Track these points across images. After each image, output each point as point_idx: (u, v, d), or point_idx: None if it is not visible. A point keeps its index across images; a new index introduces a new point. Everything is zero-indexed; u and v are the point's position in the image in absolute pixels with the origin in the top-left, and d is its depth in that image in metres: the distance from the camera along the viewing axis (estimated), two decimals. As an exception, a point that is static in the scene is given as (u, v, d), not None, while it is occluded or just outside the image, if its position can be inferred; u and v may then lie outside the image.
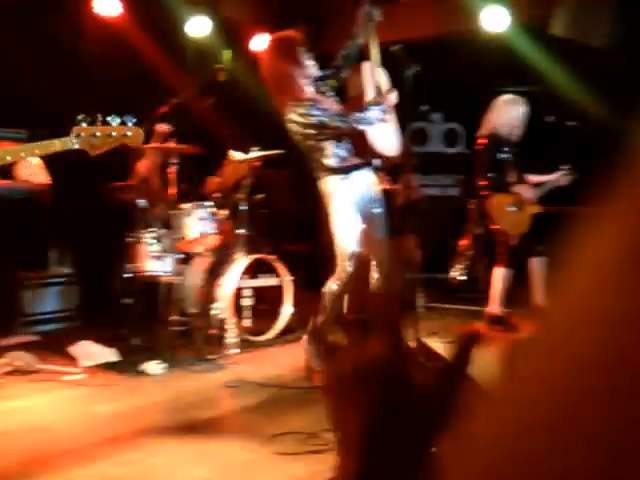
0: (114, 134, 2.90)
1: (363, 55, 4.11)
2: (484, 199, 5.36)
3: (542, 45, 5.41)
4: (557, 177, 5.35)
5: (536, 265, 5.44)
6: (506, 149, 5.33)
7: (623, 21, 4.52)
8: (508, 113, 5.27)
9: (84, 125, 2.85)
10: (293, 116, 4.09)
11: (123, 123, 2.91)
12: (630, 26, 4.59)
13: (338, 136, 4.13)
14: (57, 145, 2.83)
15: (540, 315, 0.37)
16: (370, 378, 0.64)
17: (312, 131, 4.07)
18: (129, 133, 2.93)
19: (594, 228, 0.34)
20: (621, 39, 4.60)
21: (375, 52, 4.06)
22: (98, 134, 2.87)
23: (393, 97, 4.16)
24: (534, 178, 5.48)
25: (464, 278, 6.08)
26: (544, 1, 4.93)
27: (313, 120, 4.06)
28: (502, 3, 5.16)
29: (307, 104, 4.07)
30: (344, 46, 4.15)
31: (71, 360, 4.41)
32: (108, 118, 2.88)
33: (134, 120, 2.93)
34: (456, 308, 5.72)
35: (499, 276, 5.41)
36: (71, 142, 2.83)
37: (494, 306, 5.50)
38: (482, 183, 5.36)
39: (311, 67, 4.25)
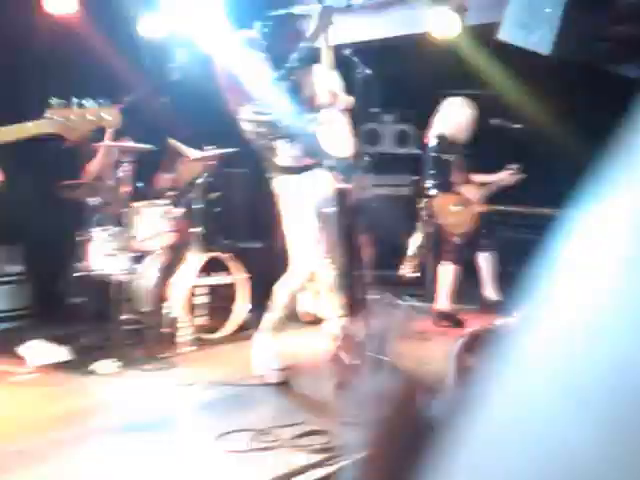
0: (90, 117, 2.76)
1: (317, 58, 4.17)
2: (431, 198, 5.49)
3: (490, 50, 5.55)
4: (502, 177, 5.50)
5: (483, 260, 5.61)
6: (452, 150, 5.46)
7: (568, 29, 4.66)
8: (454, 115, 5.41)
9: (58, 108, 2.70)
10: (245, 115, 4.14)
11: (99, 105, 2.78)
12: (575, 34, 4.75)
13: (290, 136, 4.19)
14: (32, 128, 2.69)
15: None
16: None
17: (264, 130, 4.13)
18: (106, 115, 2.80)
19: None
20: (566, 46, 4.75)
21: (328, 56, 4.13)
22: (73, 117, 2.74)
23: (346, 100, 4.24)
24: (480, 178, 5.63)
25: (414, 275, 6.21)
26: (492, 8, 5.05)
27: (264, 119, 4.11)
28: (452, 8, 5.27)
29: (259, 103, 4.13)
30: (297, 49, 4.21)
31: (21, 359, 4.37)
32: (83, 101, 2.75)
33: (109, 102, 2.80)
34: (407, 305, 5.83)
35: (446, 273, 5.55)
36: (47, 125, 2.66)
37: (442, 303, 5.64)
38: (427, 183, 5.49)
39: (265, 66, 4.30)
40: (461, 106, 5.43)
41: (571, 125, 5.74)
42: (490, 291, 5.64)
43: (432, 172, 5.45)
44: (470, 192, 5.48)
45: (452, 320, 5.55)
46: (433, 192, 5.47)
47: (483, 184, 5.57)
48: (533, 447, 0.35)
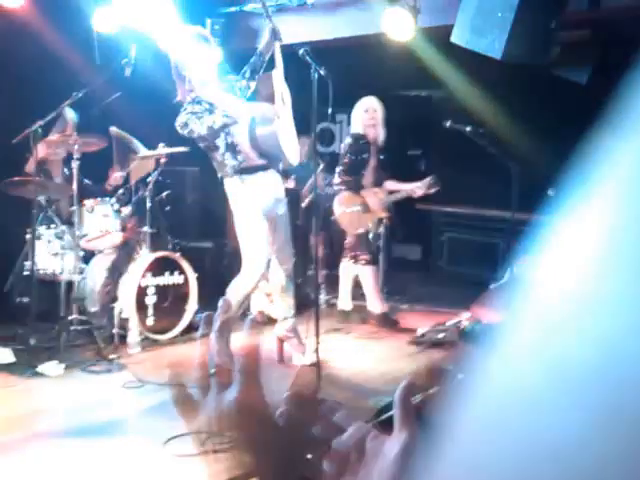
0: None
1: (271, 65, 4.20)
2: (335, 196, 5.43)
3: (444, 52, 5.61)
4: (413, 188, 5.47)
5: (363, 274, 5.56)
6: (366, 150, 5.42)
7: (520, 34, 4.74)
8: (365, 114, 5.38)
9: None
10: (187, 114, 4.09)
11: None
12: (526, 39, 4.84)
13: (245, 136, 4.17)
14: None
15: None
16: None
17: (205, 130, 4.09)
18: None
19: None
20: (517, 51, 4.84)
21: (280, 65, 4.14)
22: None
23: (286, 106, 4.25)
24: (392, 185, 5.60)
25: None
26: (446, 11, 5.11)
27: (207, 120, 4.07)
28: (405, 10, 5.30)
29: (202, 102, 4.10)
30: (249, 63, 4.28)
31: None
32: None
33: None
34: (359, 304, 5.86)
35: (344, 270, 5.52)
36: None
37: (342, 301, 5.68)
38: (337, 180, 5.43)
39: (215, 66, 4.27)
40: (372, 106, 5.40)
41: (522, 127, 5.84)
42: (373, 305, 5.60)
43: (344, 170, 5.40)
44: (374, 196, 5.43)
45: (388, 320, 5.53)
46: (337, 189, 5.41)
47: (392, 192, 5.53)
48: (520, 440, 0.34)
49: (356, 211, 5.37)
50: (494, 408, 0.37)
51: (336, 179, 5.45)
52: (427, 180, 5.39)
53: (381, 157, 5.52)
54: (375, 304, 5.53)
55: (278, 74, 4.16)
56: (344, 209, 5.38)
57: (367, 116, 5.37)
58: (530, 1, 4.71)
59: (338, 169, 5.46)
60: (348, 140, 5.47)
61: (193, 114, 4.11)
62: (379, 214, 5.49)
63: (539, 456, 0.33)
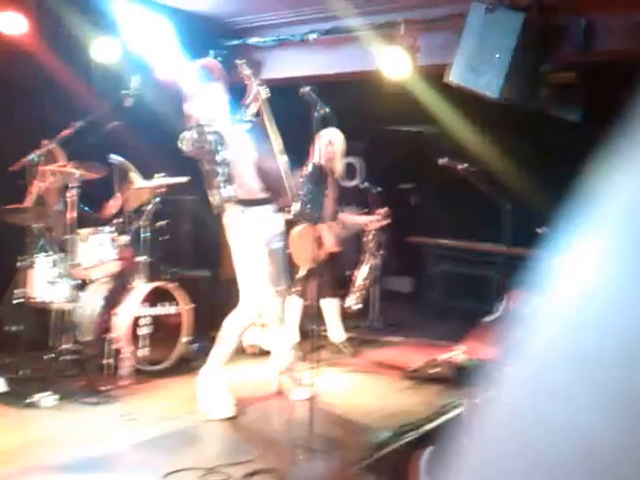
0: None
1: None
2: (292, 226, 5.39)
3: (440, 90, 5.70)
4: (365, 221, 5.48)
5: (324, 305, 5.59)
6: (325, 181, 5.41)
7: (516, 75, 4.85)
8: (327, 147, 5.39)
9: None
10: (190, 134, 4.10)
11: None
12: (521, 80, 4.94)
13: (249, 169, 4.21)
14: None
15: None
16: None
17: (204, 153, 4.12)
18: None
19: None
20: (512, 91, 4.93)
21: (268, 119, 4.20)
22: None
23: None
24: (347, 218, 5.60)
25: (360, 307, 6.24)
26: (444, 50, 5.21)
27: (206, 143, 4.09)
28: (404, 49, 5.39)
29: (204, 125, 4.12)
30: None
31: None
32: None
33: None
34: (351, 336, 5.87)
35: (292, 305, 5.44)
36: None
37: (333, 333, 5.69)
38: (295, 211, 5.33)
39: (223, 97, 4.31)
40: (332, 139, 5.41)
41: (515, 166, 5.93)
42: (333, 334, 5.69)
43: (303, 200, 5.34)
44: (329, 231, 5.39)
45: (347, 349, 5.55)
46: (294, 218, 5.36)
47: (344, 225, 5.50)
48: (550, 436, 0.36)
49: (306, 244, 5.31)
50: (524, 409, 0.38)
51: (293, 210, 5.34)
52: (380, 213, 5.45)
53: (338, 188, 5.55)
54: (335, 333, 5.67)
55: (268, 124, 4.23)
56: (298, 243, 5.30)
57: (328, 149, 5.39)
58: (526, 44, 4.82)
59: (296, 200, 5.36)
60: (308, 170, 5.43)
61: (191, 129, 4.12)
62: (332, 249, 5.46)
63: (569, 457, 0.34)
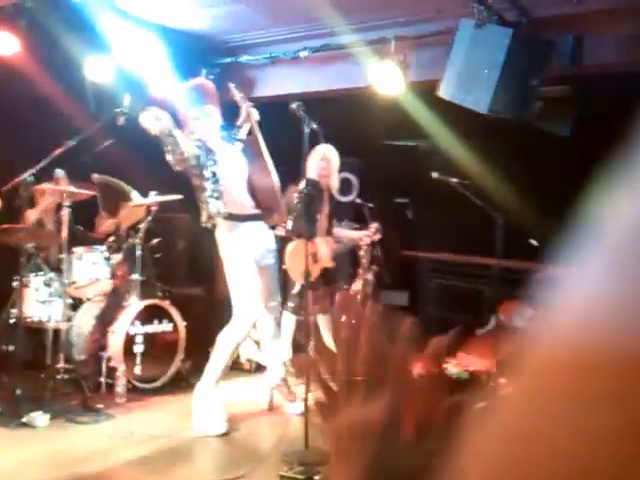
0: None
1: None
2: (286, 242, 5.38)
3: (431, 105, 5.74)
4: (359, 236, 5.49)
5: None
6: (319, 197, 5.40)
7: (505, 90, 4.88)
8: (320, 163, 5.38)
9: None
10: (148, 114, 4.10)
11: None
12: (510, 94, 4.98)
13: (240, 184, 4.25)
14: None
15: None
16: (368, 437, 0.65)
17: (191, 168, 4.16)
18: None
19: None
20: (501, 105, 4.97)
21: (260, 139, 4.25)
22: None
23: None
24: (341, 233, 5.60)
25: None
26: (435, 66, 5.25)
27: (191, 157, 4.13)
28: (395, 65, 5.44)
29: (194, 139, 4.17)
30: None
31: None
32: None
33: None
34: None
35: (285, 321, 5.26)
36: None
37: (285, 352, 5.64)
38: (289, 227, 5.29)
39: (215, 117, 4.36)
40: (327, 155, 5.41)
41: (507, 179, 5.96)
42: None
43: (295, 216, 5.31)
44: (324, 246, 5.34)
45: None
46: (289, 234, 5.34)
47: (339, 240, 5.49)
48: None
49: (305, 261, 5.28)
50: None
51: (288, 226, 5.32)
52: (373, 228, 5.47)
53: (333, 204, 5.55)
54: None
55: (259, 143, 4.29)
56: (293, 259, 5.27)
57: (322, 165, 5.38)
58: (515, 59, 4.86)
59: (291, 216, 5.34)
60: (302, 185, 5.41)
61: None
62: (326, 264, 5.45)
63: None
